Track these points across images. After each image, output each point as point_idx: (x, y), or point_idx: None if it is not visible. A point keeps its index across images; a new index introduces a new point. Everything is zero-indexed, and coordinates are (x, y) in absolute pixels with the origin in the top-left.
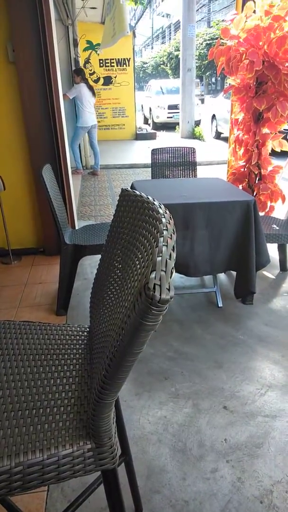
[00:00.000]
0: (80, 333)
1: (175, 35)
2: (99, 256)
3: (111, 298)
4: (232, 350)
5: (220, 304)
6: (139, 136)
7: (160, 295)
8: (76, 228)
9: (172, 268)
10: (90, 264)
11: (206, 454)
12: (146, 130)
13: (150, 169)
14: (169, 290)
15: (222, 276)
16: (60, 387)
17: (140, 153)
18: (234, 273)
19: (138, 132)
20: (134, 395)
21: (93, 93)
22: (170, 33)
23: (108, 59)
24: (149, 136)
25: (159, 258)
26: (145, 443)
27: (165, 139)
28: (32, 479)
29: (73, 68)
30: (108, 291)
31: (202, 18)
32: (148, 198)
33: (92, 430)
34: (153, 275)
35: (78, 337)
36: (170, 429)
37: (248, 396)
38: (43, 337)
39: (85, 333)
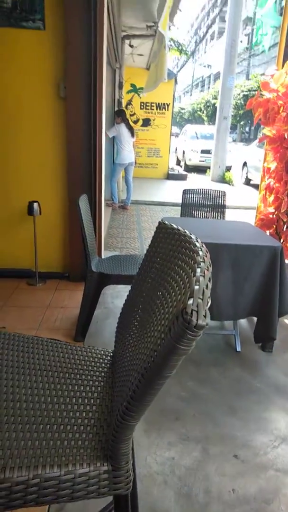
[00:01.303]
0: (104, 356)
1: (214, 84)
2: (122, 286)
3: (140, 324)
4: (247, 397)
5: (238, 349)
6: (171, 176)
7: (197, 320)
8: (102, 257)
9: (208, 297)
10: (112, 294)
11: (211, 502)
12: (178, 171)
13: (178, 207)
14: (205, 317)
15: (242, 320)
16: (81, 406)
17: (170, 192)
18: (254, 318)
19: (170, 172)
20: (143, 432)
21: (132, 134)
22: (209, 82)
23: (149, 103)
24: (180, 177)
25: (196, 287)
26: (150, 483)
27: (195, 181)
28: (48, 493)
29: (116, 107)
30: (137, 316)
31: (241, 71)
32: (186, 232)
33: (111, 451)
34: (190, 301)
35: (102, 360)
36: (177, 472)
37: (261, 447)
38: (68, 356)
39: (109, 357)
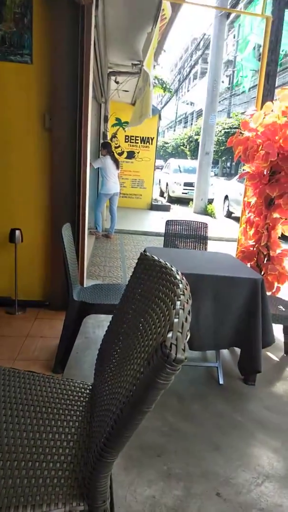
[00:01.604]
0: (83, 390)
1: (196, 121)
2: (104, 316)
3: (120, 356)
4: (230, 433)
5: (221, 381)
6: (154, 207)
7: (176, 354)
8: (85, 285)
9: (188, 330)
10: (93, 324)
11: None
12: (161, 202)
13: (161, 237)
14: (184, 350)
15: (225, 351)
16: (58, 442)
17: (153, 222)
18: (237, 349)
19: (153, 203)
20: (123, 469)
21: (117, 166)
22: (192, 118)
23: (133, 136)
24: (164, 208)
25: (176, 320)
26: None
27: (178, 212)
28: None
29: (101, 140)
30: (118, 348)
31: (223, 109)
32: (166, 264)
33: (88, 490)
34: (170, 335)
35: (80, 393)
36: (157, 511)
37: (244, 485)
38: (46, 389)
39: (88, 391)
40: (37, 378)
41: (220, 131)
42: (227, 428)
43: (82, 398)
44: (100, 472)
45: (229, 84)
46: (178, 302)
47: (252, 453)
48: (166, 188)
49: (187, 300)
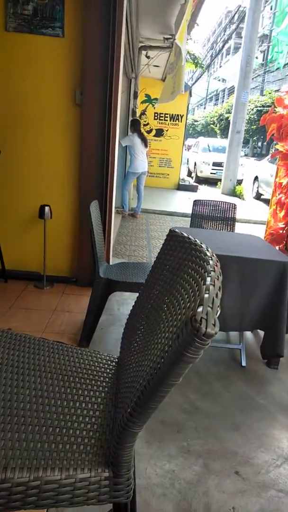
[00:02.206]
0: (109, 362)
1: (228, 98)
2: (128, 294)
3: (147, 331)
4: (250, 414)
5: (243, 363)
6: (181, 187)
7: (206, 328)
8: (110, 263)
9: (218, 306)
10: (118, 301)
11: None
12: (189, 182)
13: (187, 218)
14: (214, 325)
15: (248, 334)
16: (85, 411)
17: (180, 202)
18: (261, 332)
19: (181, 183)
20: (144, 443)
21: (146, 144)
22: (223, 96)
23: (162, 113)
24: (191, 188)
25: (206, 295)
26: (149, 495)
27: (206, 193)
28: (47, 497)
29: (130, 116)
30: (144, 323)
31: (256, 86)
32: (196, 241)
33: (113, 458)
34: (200, 309)
35: (106, 365)
36: (176, 485)
37: (263, 465)
38: (74, 359)
39: (114, 363)
40: (65, 349)
41: (252, 109)
42: (247, 409)
43: (108, 370)
44: (125, 442)
45: (263, 60)
46: (209, 278)
47: (272, 435)
48: (194, 168)
49: (218, 276)
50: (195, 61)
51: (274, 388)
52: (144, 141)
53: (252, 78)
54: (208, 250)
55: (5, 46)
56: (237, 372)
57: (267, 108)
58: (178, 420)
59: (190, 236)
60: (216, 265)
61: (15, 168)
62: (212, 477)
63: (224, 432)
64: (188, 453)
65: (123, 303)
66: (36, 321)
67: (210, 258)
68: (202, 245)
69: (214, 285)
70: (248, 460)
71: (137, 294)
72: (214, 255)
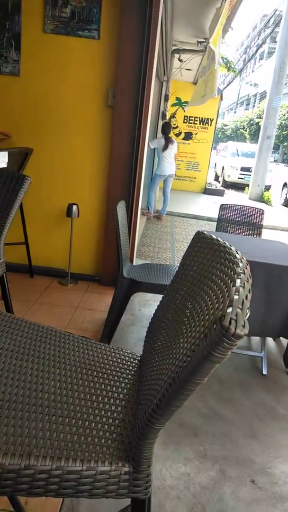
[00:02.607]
0: (132, 359)
1: (259, 103)
2: (151, 295)
3: (171, 330)
4: (270, 423)
5: (264, 372)
6: (208, 191)
7: (235, 329)
8: (134, 264)
9: (248, 308)
10: (140, 302)
11: None
12: (216, 186)
13: (212, 222)
14: (243, 327)
15: (270, 342)
16: (107, 405)
17: (206, 206)
18: (284, 341)
19: (207, 187)
20: (161, 444)
21: (167, 146)
22: (255, 101)
23: (192, 117)
24: (217, 192)
25: (236, 296)
26: (163, 496)
27: (233, 198)
28: (68, 486)
29: (160, 119)
30: (169, 322)
31: None
32: (225, 243)
33: (133, 453)
34: (229, 310)
35: (129, 363)
36: (191, 489)
37: (280, 476)
38: (98, 354)
39: (136, 361)
40: (90, 344)
41: (284, 115)
42: (266, 418)
43: (131, 367)
44: (147, 438)
45: None
46: (238, 280)
47: None
48: (222, 172)
49: (248, 279)
50: (228, 65)
51: None
52: (171, 143)
53: (285, 83)
54: (237, 253)
55: (43, 47)
56: (257, 380)
57: None
58: (196, 424)
59: (219, 238)
60: (246, 268)
61: (47, 167)
62: (228, 483)
63: (242, 440)
64: (205, 458)
65: (145, 304)
66: (59, 316)
67: (240, 261)
68: (232, 248)
69: (244, 287)
70: (265, 469)
71: (159, 296)
72: (243, 258)
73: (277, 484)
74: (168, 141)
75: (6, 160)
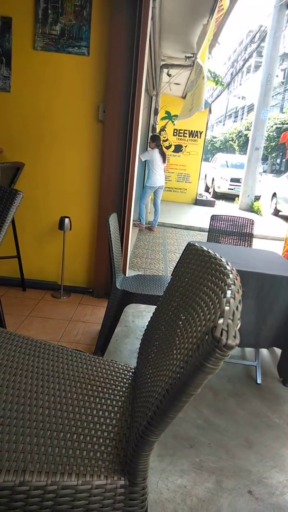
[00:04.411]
0: (126, 372)
1: (247, 115)
2: (144, 306)
3: (165, 342)
4: (265, 432)
5: (259, 381)
6: (199, 202)
7: (227, 340)
8: (127, 275)
9: (239, 319)
10: (133, 313)
11: None
12: (206, 197)
13: (204, 232)
14: (235, 337)
15: (264, 351)
16: (102, 419)
17: (197, 217)
18: (278, 350)
19: (198, 198)
20: (156, 456)
21: (164, 159)
22: (242, 113)
23: (182, 130)
24: (208, 203)
25: (227, 307)
26: (160, 510)
27: (223, 208)
28: (63, 502)
29: (150, 132)
30: (162, 334)
31: (275, 104)
32: (216, 255)
33: (129, 466)
34: (221, 321)
35: (123, 375)
36: (188, 501)
37: (277, 486)
38: (91, 368)
39: (130, 373)
40: (83, 357)
41: (272, 127)
42: (262, 427)
43: (125, 380)
44: (142, 450)
45: (283, 78)
46: (229, 291)
47: (287, 455)
48: (212, 183)
49: (238, 290)
50: (216, 79)
51: None
52: (163, 156)
53: (272, 96)
54: (228, 264)
55: (33, 63)
56: (252, 389)
57: (287, 126)
58: (191, 435)
59: (209, 250)
60: (236, 279)
61: (39, 180)
62: (225, 495)
63: (238, 450)
64: (201, 469)
65: (138, 315)
66: (52, 330)
67: (230, 272)
68: (222, 259)
69: (234, 298)
70: (262, 479)
71: (152, 307)
72: (234, 269)
73: (274, 494)
74: (163, 153)
75: None
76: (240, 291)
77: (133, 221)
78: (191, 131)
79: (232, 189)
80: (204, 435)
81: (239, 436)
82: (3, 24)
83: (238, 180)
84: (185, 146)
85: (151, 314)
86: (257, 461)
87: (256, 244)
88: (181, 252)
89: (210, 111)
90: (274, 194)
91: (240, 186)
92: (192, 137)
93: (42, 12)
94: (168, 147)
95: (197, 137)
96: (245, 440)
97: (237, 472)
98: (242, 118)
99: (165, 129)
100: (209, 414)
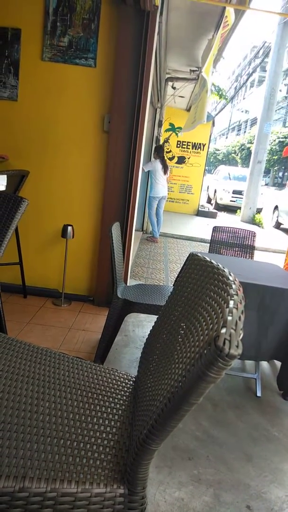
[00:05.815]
0: (127, 380)
1: (250, 129)
2: (144, 316)
3: (166, 351)
4: (264, 446)
5: (258, 394)
6: (200, 213)
7: (229, 349)
8: (128, 285)
9: (241, 329)
10: (133, 323)
11: None
12: (208, 209)
13: (205, 243)
14: (237, 347)
15: (265, 364)
16: (102, 427)
17: (199, 228)
18: (278, 362)
19: (200, 209)
20: (154, 467)
21: (166, 170)
22: (245, 127)
23: (185, 142)
24: (210, 215)
25: (229, 317)
26: None
27: (225, 220)
28: (62, 509)
29: (154, 143)
30: (164, 344)
31: (278, 118)
32: (218, 265)
33: (128, 475)
34: (223, 331)
35: (124, 384)
36: None
37: (276, 501)
38: (92, 375)
39: (131, 382)
40: (84, 364)
41: (274, 140)
42: (261, 440)
43: (126, 388)
44: (142, 459)
45: (286, 93)
46: (232, 301)
47: (286, 470)
48: (214, 195)
49: (241, 300)
50: (220, 93)
51: None
52: (165, 168)
53: (275, 110)
54: (230, 275)
55: (40, 74)
56: (251, 402)
57: None
58: (190, 447)
59: (212, 260)
60: (239, 290)
61: (43, 188)
62: (223, 509)
63: (237, 463)
64: (199, 482)
65: (138, 325)
66: (52, 337)
67: (233, 282)
68: (225, 269)
69: (237, 308)
70: (261, 494)
71: (152, 317)
72: (236, 279)
73: (273, 510)
74: (165, 164)
75: (5, 183)
76: (243, 301)
77: (147, 237)
78: (194, 143)
79: (234, 201)
80: (203, 447)
81: (238, 449)
82: (12, 35)
83: (240, 193)
84: (188, 158)
85: (152, 324)
86: (256, 475)
87: (258, 256)
88: (183, 262)
89: (213, 124)
90: (276, 207)
91: (242, 198)
92: (195, 149)
93: (51, 24)
94: (171, 159)
95: (200, 149)
96: (244, 453)
97: (236, 486)
98: (245, 132)
99: (169, 140)
100: (209, 426)
